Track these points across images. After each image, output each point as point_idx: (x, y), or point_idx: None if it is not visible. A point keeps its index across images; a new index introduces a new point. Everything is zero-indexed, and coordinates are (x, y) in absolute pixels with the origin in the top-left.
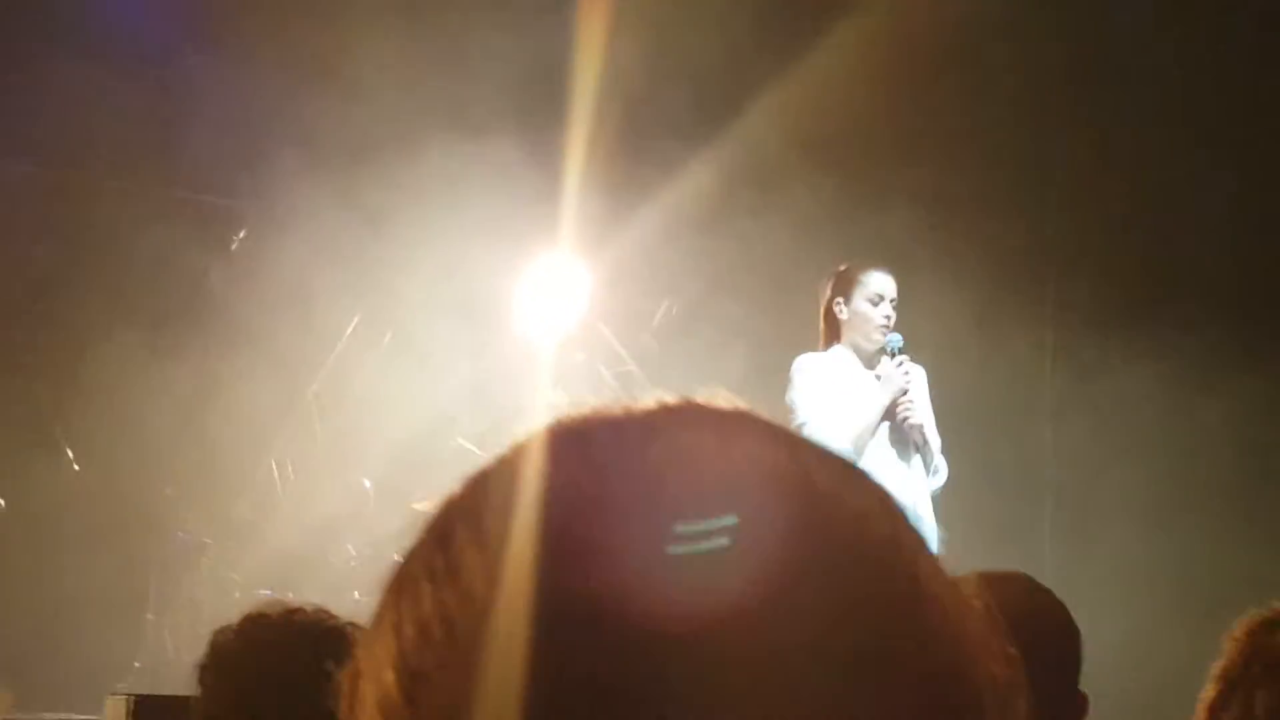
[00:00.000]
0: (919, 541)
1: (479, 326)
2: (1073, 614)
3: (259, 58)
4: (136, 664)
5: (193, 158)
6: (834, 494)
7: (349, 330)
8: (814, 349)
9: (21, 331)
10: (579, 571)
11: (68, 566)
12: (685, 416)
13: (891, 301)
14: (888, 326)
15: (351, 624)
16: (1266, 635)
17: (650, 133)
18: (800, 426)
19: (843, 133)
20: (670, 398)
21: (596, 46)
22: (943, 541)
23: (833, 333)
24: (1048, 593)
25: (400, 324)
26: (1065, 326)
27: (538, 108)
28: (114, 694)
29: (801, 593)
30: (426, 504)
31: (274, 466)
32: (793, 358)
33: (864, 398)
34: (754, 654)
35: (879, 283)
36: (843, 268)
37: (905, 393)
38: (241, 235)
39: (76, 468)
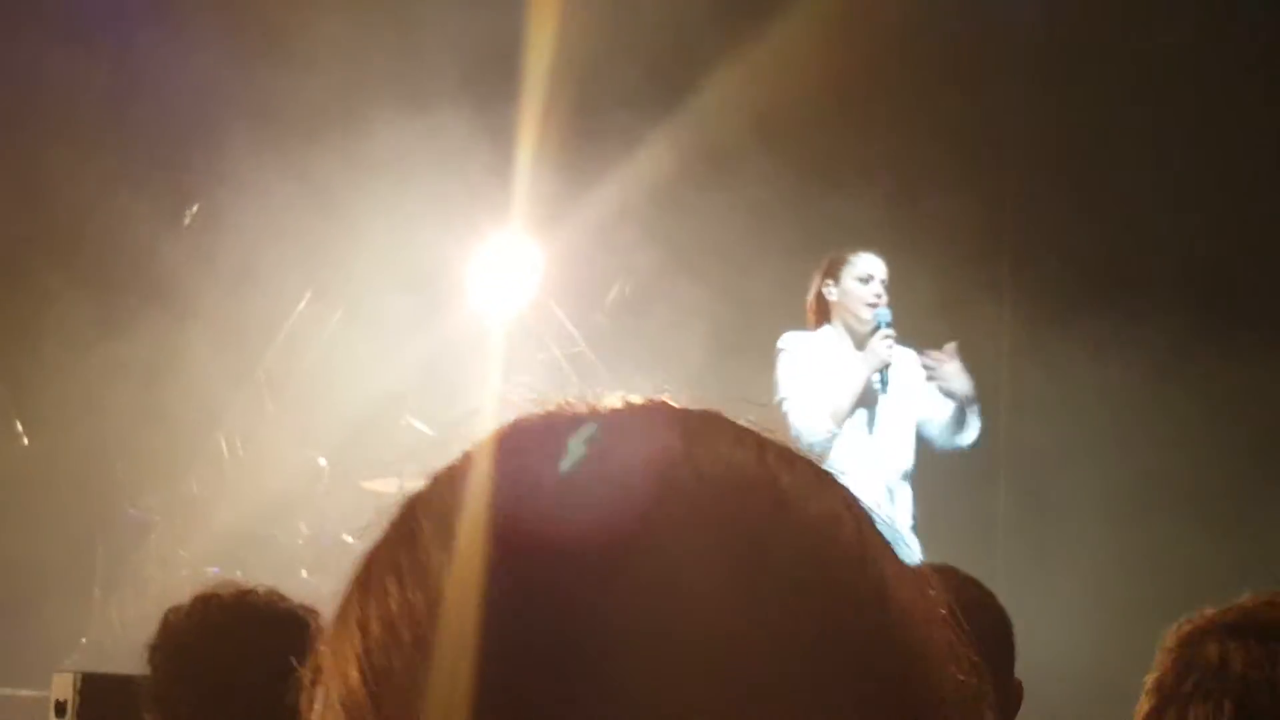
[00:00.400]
0: (886, 547)
1: (430, 304)
2: (1023, 606)
3: (211, 31)
4: (83, 640)
5: (146, 132)
6: (800, 498)
7: (300, 306)
8: (771, 329)
9: None
10: (533, 572)
11: (15, 541)
12: (652, 417)
13: (882, 281)
14: (876, 305)
15: (303, 607)
16: (1199, 646)
17: (604, 110)
18: (780, 403)
19: (799, 111)
20: (636, 397)
21: (549, 22)
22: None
23: (823, 316)
24: (978, 585)
25: (351, 300)
26: (1022, 315)
27: (490, 84)
28: (60, 670)
29: (764, 597)
30: (376, 483)
31: (223, 443)
32: (748, 338)
33: (847, 372)
34: (712, 656)
35: (867, 263)
36: (833, 254)
37: (888, 366)
38: (194, 210)
39: (26, 441)
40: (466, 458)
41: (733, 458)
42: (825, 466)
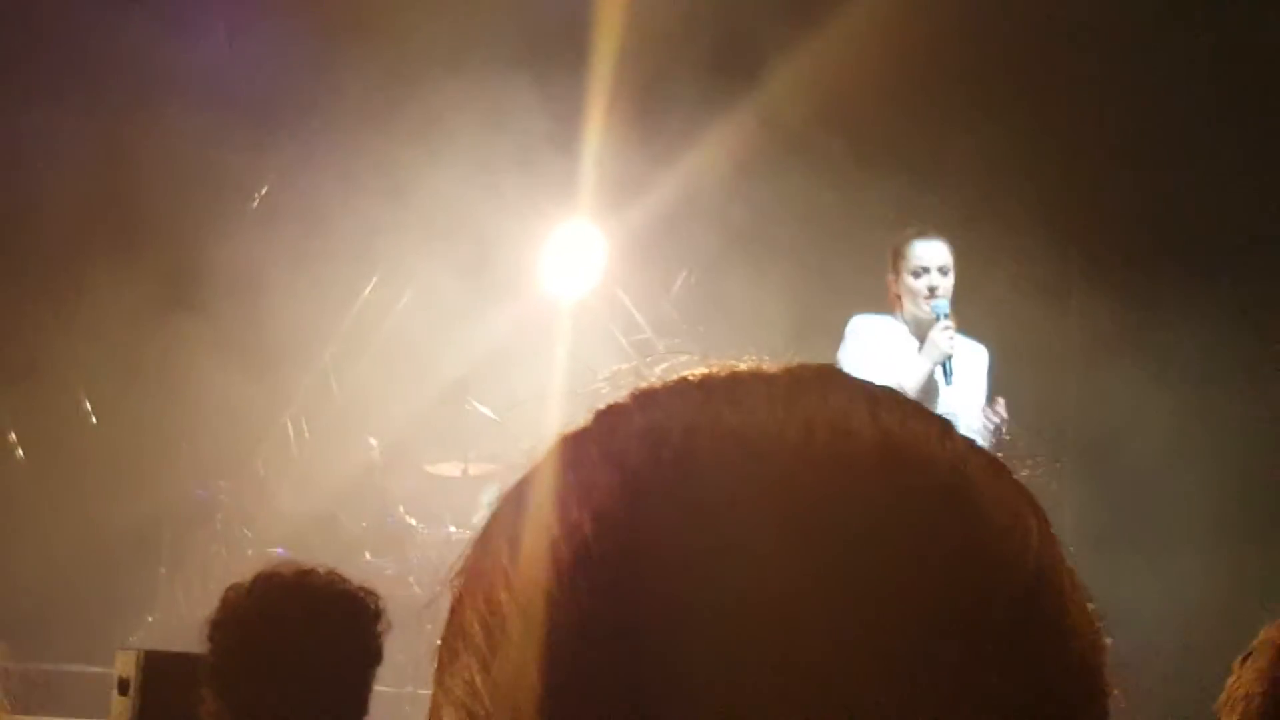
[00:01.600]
0: (1061, 557)
1: (495, 289)
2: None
3: (286, 18)
4: (149, 618)
5: (212, 116)
6: (985, 487)
7: (366, 290)
8: (840, 315)
9: (41, 286)
10: (725, 528)
11: (83, 519)
12: (829, 378)
13: (940, 270)
14: (931, 296)
15: (363, 588)
16: None
17: (671, 95)
18: None
19: (866, 97)
20: (745, 362)
21: (617, 11)
22: None
23: (895, 303)
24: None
25: (417, 285)
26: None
27: (560, 74)
28: (124, 648)
29: (935, 579)
30: (440, 466)
31: (289, 425)
32: (816, 325)
33: (909, 363)
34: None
35: (921, 254)
36: (897, 240)
37: (949, 357)
38: (263, 192)
39: (94, 420)
40: (624, 407)
41: (918, 430)
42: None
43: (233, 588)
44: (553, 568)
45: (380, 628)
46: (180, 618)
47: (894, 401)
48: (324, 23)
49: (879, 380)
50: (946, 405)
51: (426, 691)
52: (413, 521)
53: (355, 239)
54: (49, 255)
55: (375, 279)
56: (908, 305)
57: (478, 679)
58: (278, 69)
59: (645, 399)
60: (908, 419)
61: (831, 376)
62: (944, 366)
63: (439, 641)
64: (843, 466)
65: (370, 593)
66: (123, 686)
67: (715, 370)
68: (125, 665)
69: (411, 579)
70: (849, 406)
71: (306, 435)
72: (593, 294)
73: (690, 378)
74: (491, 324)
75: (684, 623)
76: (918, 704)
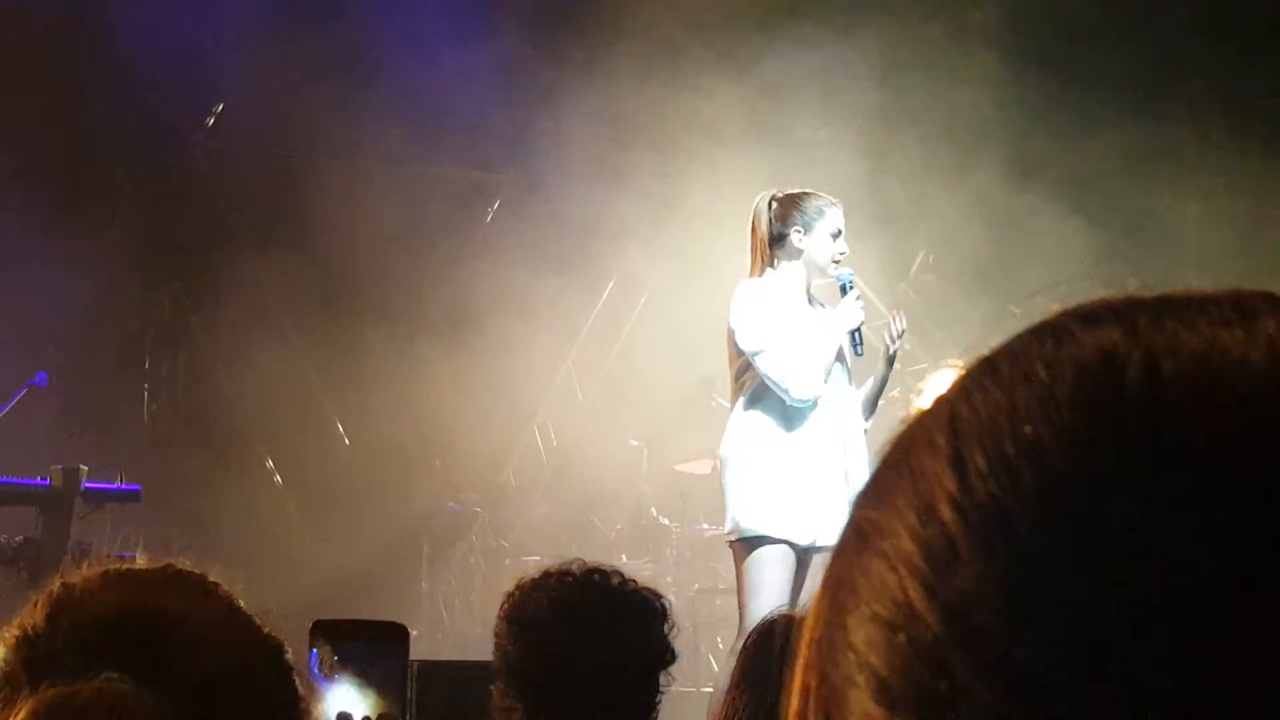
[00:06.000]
0: None
1: (731, 283)
2: None
3: (518, 39)
4: (414, 632)
5: (452, 134)
6: None
7: (605, 294)
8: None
9: (289, 312)
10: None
11: (342, 539)
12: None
13: (845, 238)
14: (840, 262)
15: (650, 589)
16: None
17: (907, 76)
18: (755, 356)
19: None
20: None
21: None
22: None
23: (767, 258)
24: None
25: (655, 286)
26: None
27: (790, 65)
28: None
29: None
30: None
31: (537, 433)
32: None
33: (821, 333)
34: None
35: (838, 216)
36: (797, 192)
37: (859, 327)
38: (495, 206)
39: (348, 442)
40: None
41: None
42: None
43: (522, 585)
44: (1011, 485)
45: (668, 627)
46: (444, 630)
47: None
48: (565, 48)
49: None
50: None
51: (689, 689)
52: (665, 521)
53: (591, 245)
54: (305, 288)
55: (613, 282)
56: (803, 263)
57: (919, 602)
58: (514, 86)
59: (1086, 319)
60: None
61: (1276, 299)
62: (854, 336)
63: (834, 578)
64: None
65: (656, 593)
66: None
67: (1153, 293)
68: None
69: (669, 579)
70: None
71: (554, 442)
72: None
73: (1134, 299)
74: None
75: (1165, 540)
76: None
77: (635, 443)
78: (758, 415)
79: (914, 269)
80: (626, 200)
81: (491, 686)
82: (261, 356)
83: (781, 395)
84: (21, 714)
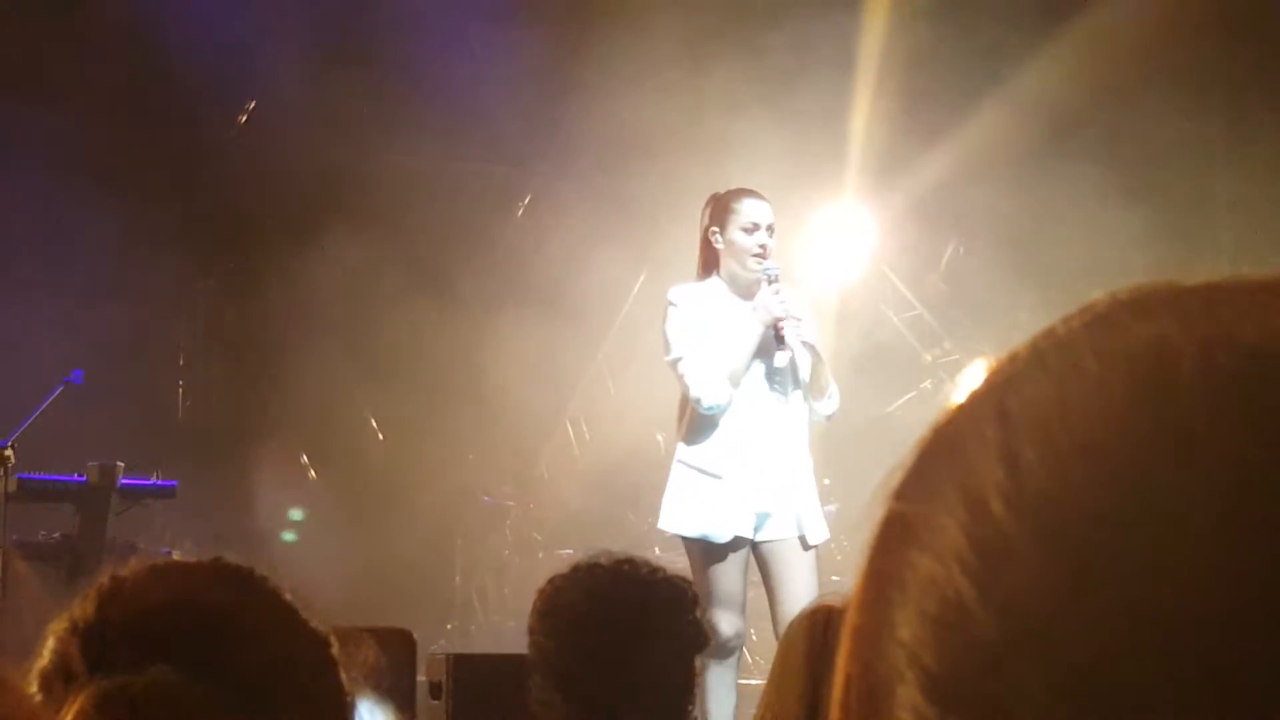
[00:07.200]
0: None
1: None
2: None
3: (545, 37)
4: (449, 625)
5: (485, 129)
6: None
7: (636, 288)
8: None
9: (323, 307)
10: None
11: (376, 533)
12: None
13: (768, 229)
14: (762, 255)
15: (680, 576)
16: None
17: (939, 71)
18: (675, 362)
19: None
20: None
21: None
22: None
23: (710, 262)
24: None
25: (687, 278)
26: None
27: (825, 53)
28: (433, 653)
29: None
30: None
31: (569, 427)
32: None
33: (739, 328)
34: None
35: (753, 210)
36: (722, 191)
37: (781, 320)
38: (526, 201)
39: (381, 437)
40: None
41: None
42: None
43: (553, 580)
44: (1065, 480)
45: (699, 612)
46: (479, 623)
47: None
48: (594, 43)
49: (710, 346)
50: (784, 365)
51: None
52: None
53: (621, 238)
54: (334, 284)
55: (643, 276)
56: (728, 263)
57: (971, 600)
58: (543, 83)
59: (1137, 309)
60: None
61: None
62: (775, 330)
63: (876, 570)
64: None
65: (686, 580)
66: (435, 690)
67: (1202, 282)
68: (435, 670)
69: None
70: None
71: (587, 436)
72: (862, 272)
73: (1184, 286)
74: None
75: (1229, 537)
76: None
77: (660, 438)
78: (690, 418)
79: (944, 260)
80: (656, 191)
81: (529, 681)
82: (296, 352)
83: (694, 405)
84: (76, 705)
